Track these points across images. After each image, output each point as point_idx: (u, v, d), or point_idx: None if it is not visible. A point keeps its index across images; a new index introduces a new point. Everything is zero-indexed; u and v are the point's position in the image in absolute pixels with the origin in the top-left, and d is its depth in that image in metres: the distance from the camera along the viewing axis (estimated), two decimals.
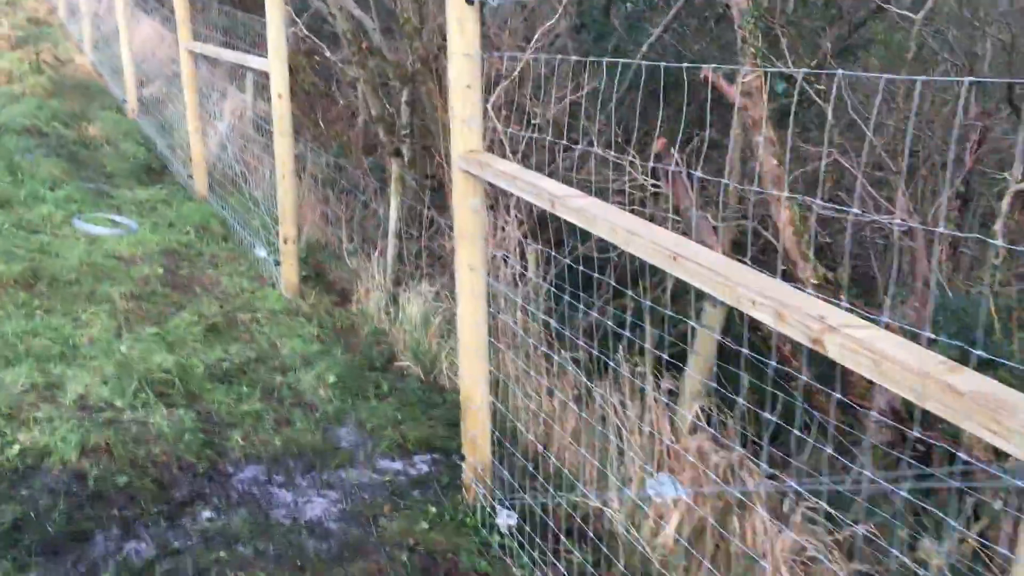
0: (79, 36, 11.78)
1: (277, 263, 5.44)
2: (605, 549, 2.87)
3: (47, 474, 3.13)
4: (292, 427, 3.86)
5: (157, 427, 3.59)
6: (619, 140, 5.29)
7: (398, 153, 7.06)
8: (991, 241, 3.14)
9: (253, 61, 5.50)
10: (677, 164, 3.56)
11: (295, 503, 3.27)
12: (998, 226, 3.72)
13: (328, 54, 8.41)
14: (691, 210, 3.53)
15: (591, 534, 2.98)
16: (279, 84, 5.14)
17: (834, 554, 2.59)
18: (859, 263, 4.39)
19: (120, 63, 9.73)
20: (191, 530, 2.99)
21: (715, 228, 3.68)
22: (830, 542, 2.63)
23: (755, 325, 2.04)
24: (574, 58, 2.86)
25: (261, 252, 5.60)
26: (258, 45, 8.86)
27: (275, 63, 5.11)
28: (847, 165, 3.80)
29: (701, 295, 1.90)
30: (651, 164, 3.43)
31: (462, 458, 3.26)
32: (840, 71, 1.92)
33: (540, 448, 3.38)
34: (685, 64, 3.43)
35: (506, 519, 2.93)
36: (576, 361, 3.48)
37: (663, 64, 2.28)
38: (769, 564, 2.56)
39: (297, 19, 7.95)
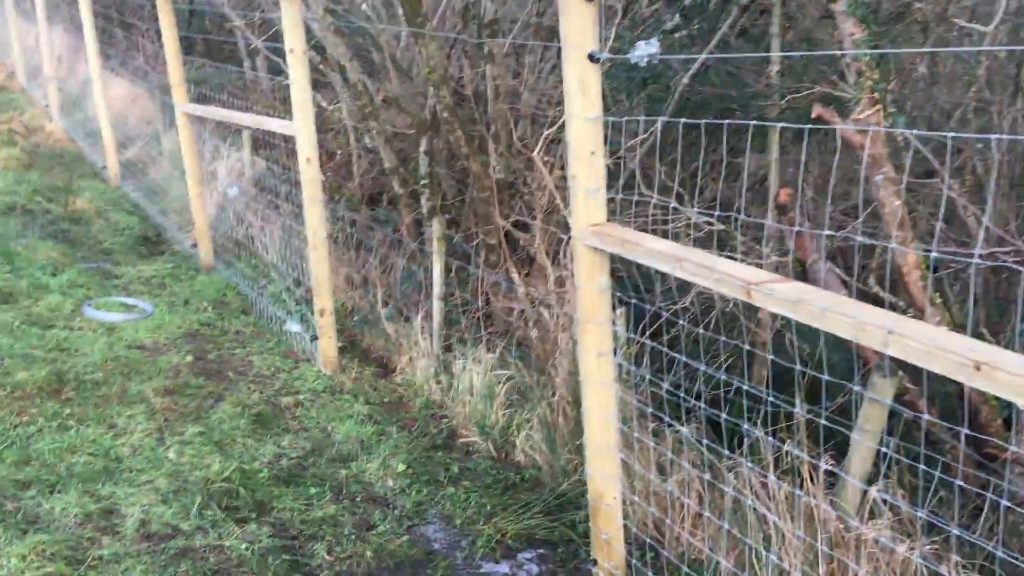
0: (44, 101, 11.28)
1: (314, 338, 5.06)
2: None
3: None
4: (375, 531, 3.49)
5: (236, 551, 3.19)
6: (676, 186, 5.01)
7: (416, 199, 6.72)
8: None
9: (274, 125, 5.14)
10: (802, 215, 3.29)
11: None
12: None
13: (323, 103, 8.07)
14: (820, 264, 3.25)
15: None
16: (307, 148, 4.79)
17: None
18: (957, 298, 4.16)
19: (93, 127, 9.29)
20: None
21: (843, 281, 3.41)
22: None
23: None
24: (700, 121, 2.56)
25: (295, 327, 5.21)
26: (239, 97, 8.48)
27: (302, 126, 4.76)
28: (966, 205, 3.55)
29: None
30: (765, 221, 3.14)
31: (594, 562, 2.91)
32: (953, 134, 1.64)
33: (658, 543, 3.04)
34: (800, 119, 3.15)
35: None
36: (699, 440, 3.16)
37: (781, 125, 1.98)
38: None
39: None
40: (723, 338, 3.13)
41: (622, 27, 5.58)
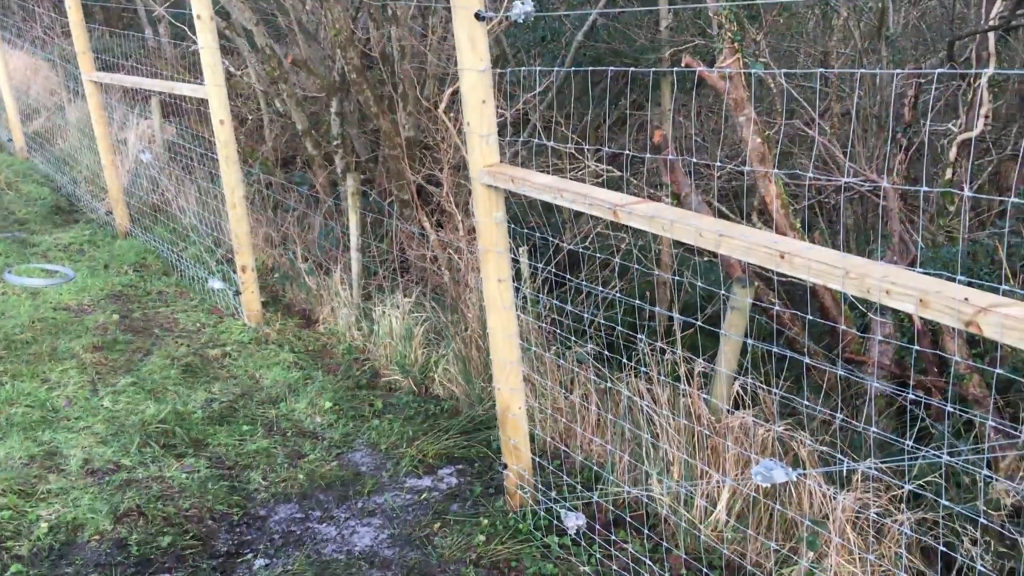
0: None
1: (237, 293, 5.29)
2: (660, 537, 2.98)
3: (86, 548, 2.99)
4: (306, 459, 3.80)
5: (176, 480, 3.47)
6: (571, 132, 5.38)
7: (329, 160, 6.95)
8: (957, 192, 3.38)
9: (186, 89, 5.30)
10: (674, 153, 3.67)
11: (342, 536, 3.24)
12: (949, 175, 4.00)
13: (231, 69, 8.16)
14: (691, 196, 3.66)
15: (645, 528, 3.08)
16: (220, 111, 4.98)
17: (899, 508, 2.77)
18: (835, 227, 4.65)
19: None
20: None
21: (720, 213, 3.82)
22: (887, 500, 2.82)
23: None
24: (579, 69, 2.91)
25: (217, 284, 5.42)
26: (144, 65, 8.48)
27: (213, 89, 4.93)
28: (814, 135, 4.02)
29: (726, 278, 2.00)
30: (648, 155, 3.53)
31: (504, 466, 3.29)
32: (820, 70, 2.05)
33: (565, 446, 3.45)
34: (673, 63, 3.53)
35: (575, 521, 2.99)
36: (596, 355, 3.57)
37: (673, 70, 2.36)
38: (835, 527, 2.72)
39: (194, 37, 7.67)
40: (611, 258, 3.52)
41: None
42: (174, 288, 5.78)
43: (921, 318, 3.31)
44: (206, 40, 4.86)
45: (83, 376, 4.34)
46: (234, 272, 5.35)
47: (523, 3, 2.66)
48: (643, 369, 3.31)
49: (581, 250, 4.15)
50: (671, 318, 3.20)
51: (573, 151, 4.73)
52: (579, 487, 3.18)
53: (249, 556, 3.08)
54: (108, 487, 3.36)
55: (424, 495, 3.53)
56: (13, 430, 3.74)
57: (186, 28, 8.78)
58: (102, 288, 5.53)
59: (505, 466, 3.30)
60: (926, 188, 1.93)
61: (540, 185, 2.68)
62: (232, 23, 7.21)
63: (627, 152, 3.11)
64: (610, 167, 5.09)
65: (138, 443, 3.70)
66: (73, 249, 6.32)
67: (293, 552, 3.11)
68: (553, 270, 3.98)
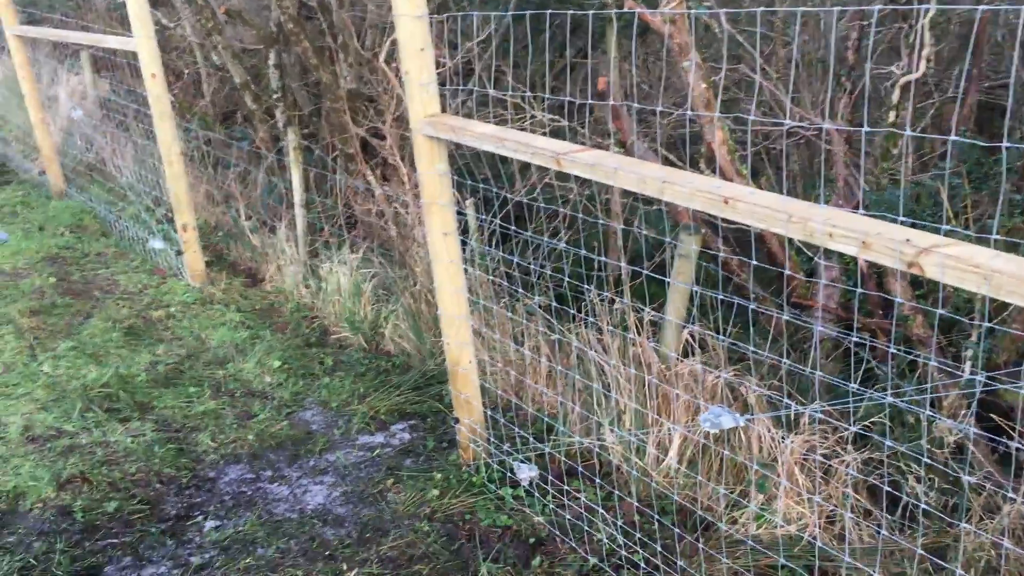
0: None
1: (179, 253, 5.16)
2: (612, 486, 3.00)
3: (29, 516, 2.91)
4: (256, 419, 3.75)
5: (122, 445, 3.40)
6: (515, 81, 5.29)
7: (270, 114, 6.76)
8: (899, 132, 3.39)
9: (113, 42, 5.08)
10: (619, 100, 3.62)
11: (294, 495, 3.20)
12: (892, 117, 4.03)
13: (164, 21, 7.87)
14: (635, 143, 3.62)
15: (597, 477, 3.10)
16: (151, 63, 4.79)
17: (845, 449, 2.82)
18: (781, 174, 4.66)
19: None
20: (204, 543, 2.88)
21: (663, 158, 3.80)
22: (835, 442, 2.87)
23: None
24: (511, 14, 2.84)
25: (158, 244, 5.28)
26: (73, 18, 8.13)
27: (143, 41, 4.74)
28: (759, 80, 4.00)
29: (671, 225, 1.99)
30: (591, 101, 3.48)
31: (456, 420, 3.28)
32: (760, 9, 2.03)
33: (517, 398, 3.44)
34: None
35: (527, 472, 2.99)
36: (546, 307, 3.55)
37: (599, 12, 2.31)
38: (783, 470, 2.76)
39: None
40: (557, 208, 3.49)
41: None
42: (113, 249, 5.61)
43: (866, 261, 3.34)
44: None
45: (20, 342, 4.21)
46: (175, 231, 5.21)
47: None
48: (593, 320, 3.30)
49: (528, 202, 4.11)
50: (620, 268, 3.19)
51: (519, 101, 4.66)
52: (531, 439, 3.19)
53: (199, 518, 3.04)
54: (50, 454, 3.27)
55: (377, 451, 3.50)
56: None
57: None
58: (37, 251, 5.35)
59: (457, 420, 3.28)
60: (869, 129, 1.92)
61: (481, 135, 2.63)
62: None
63: (569, 99, 3.05)
64: (556, 116, 5.03)
65: (80, 408, 3.61)
66: (5, 211, 6.10)
67: (244, 513, 3.07)
68: (500, 222, 3.93)
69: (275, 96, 6.48)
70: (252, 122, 6.95)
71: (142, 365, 4.11)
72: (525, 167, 5.62)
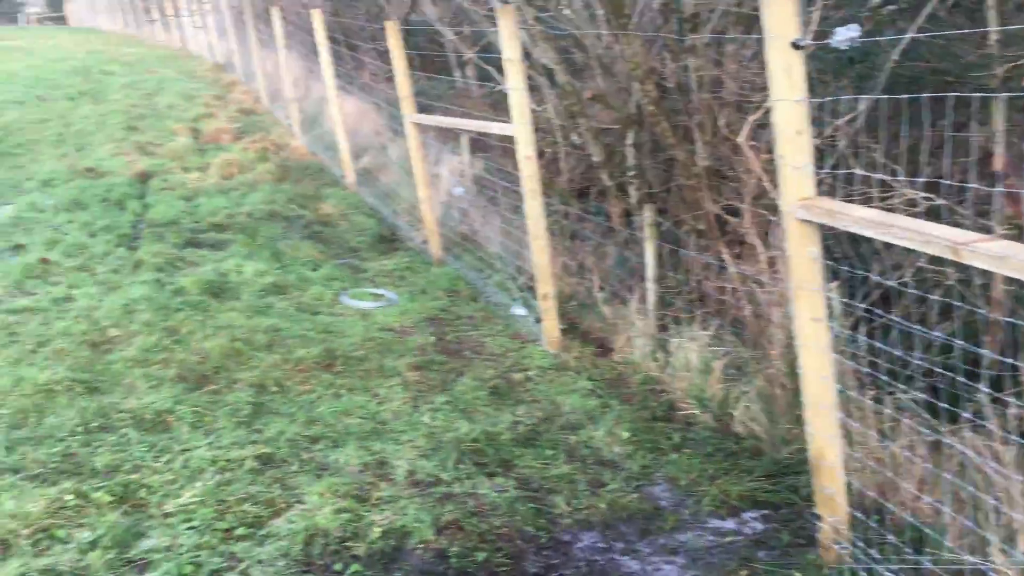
0: (287, 121, 12.64)
1: (538, 320, 5.53)
2: None
3: (413, 555, 3.26)
4: (606, 488, 3.86)
5: (488, 498, 3.68)
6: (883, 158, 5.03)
7: (624, 190, 7.07)
8: None
9: (496, 128, 5.66)
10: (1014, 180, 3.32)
11: (644, 571, 3.25)
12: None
13: (533, 105, 8.55)
14: None
15: None
16: (526, 147, 5.26)
17: None
18: None
19: (331, 141, 10.36)
20: None
21: None
22: None
23: None
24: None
25: (520, 311, 5.72)
26: (454, 105, 9.16)
27: (521, 127, 5.23)
28: None
29: None
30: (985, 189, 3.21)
31: (817, 516, 3.13)
32: None
33: (884, 500, 3.19)
34: None
35: None
36: (920, 402, 3.29)
37: None
38: None
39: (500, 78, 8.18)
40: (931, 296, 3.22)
41: (825, 7, 5.63)
42: (481, 313, 6.16)
43: None
44: (515, 82, 5.16)
45: (406, 392, 4.75)
46: (535, 299, 5.60)
47: (848, 28, 2.54)
48: (980, 422, 2.99)
49: (896, 284, 3.85)
50: (1015, 366, 2.87)
51: (886, 179, 4.42)
52: (904, 547, 2.93)
53: None
54: (430, 499, 3.64)
55: (728, 538, 3.44)
56: (350, 438, 4.18)
57: (492, 69, 9.42)
58: (420, 312, 6.04)
59: (819, 517, 3.13)
60: None
61: (863, 220, 2.54)
62: (533, 63, 7.60)
63: (959, 183, 2.84)
64: (930, 195, 4.68)
65: (454, 459, 3.98)
66: (395, 275, 6.97)
67: None
68: (865, 306, 3.73)
69: (630, 174, 6.77)
70: (607, 197, 7.32)
71: (505, 424, 4.44)
72: (887, 246, 5.28)
